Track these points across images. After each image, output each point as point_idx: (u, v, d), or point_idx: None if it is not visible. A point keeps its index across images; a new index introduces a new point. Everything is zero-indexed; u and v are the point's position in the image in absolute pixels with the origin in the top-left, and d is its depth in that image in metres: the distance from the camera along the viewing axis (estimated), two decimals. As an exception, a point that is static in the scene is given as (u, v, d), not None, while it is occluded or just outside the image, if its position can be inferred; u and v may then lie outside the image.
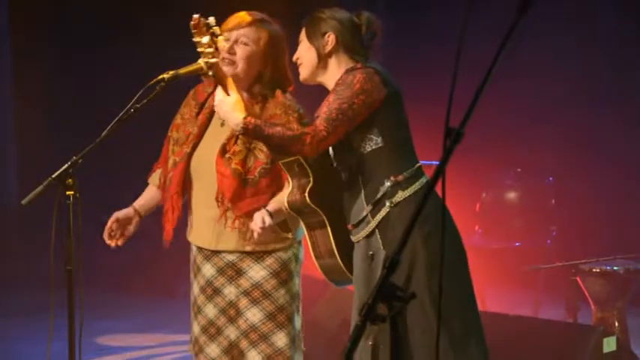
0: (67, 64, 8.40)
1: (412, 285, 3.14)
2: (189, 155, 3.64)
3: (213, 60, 3.25)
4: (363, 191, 3.27)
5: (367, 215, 3.27)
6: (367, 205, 3.27)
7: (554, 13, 6.98)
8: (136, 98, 3.38)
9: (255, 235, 3.41)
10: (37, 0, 8.32)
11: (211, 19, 3.25)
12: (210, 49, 3.23)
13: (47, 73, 8.44)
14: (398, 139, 3.29)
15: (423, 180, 3.25)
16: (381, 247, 3.22)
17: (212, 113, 3.65)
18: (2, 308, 7.59)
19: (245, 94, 3.57)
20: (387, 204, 3.24)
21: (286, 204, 3.35)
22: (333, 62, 3.36)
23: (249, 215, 3.52)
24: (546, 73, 7.43)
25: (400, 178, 3.24)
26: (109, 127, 3.37)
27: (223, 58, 3.53)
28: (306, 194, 3.30)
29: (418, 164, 3.30)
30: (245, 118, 3.19)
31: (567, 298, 5.71)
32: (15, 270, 8.00)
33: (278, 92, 3.59)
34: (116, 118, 3.37)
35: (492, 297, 6.61)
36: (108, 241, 3.69)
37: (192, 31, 3.24)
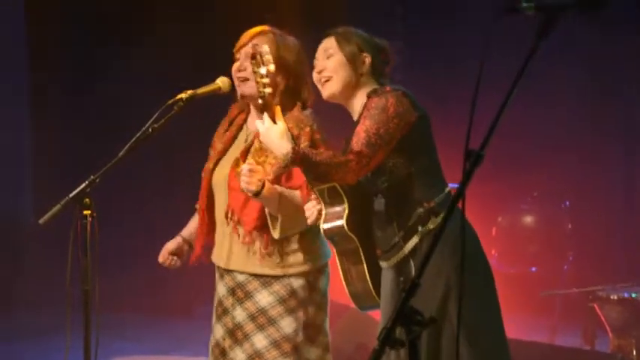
0: (84, 83, 8.42)
1: (447, 316, 3.11)
2: (212, 171, 3.64)
3: (268, 90, 3.21)
4: (394, 217, 3.23)
5: (399, 242, 3.22)
6: (399, 231, 3.23)
7: (572, 40, 6.97)
8: (154, 118, 3.40)
9: (244, 178, 3.34)
10: (54, 19, 8.34)
11: (266, 49, 3.24)
12: (266, 80, 3.22)
13: (64, 93, 8.46)
14: (428, 163, 3.25)
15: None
16: (413, 274, 3.19)
17: (238, 131, 3.66)
18: (17, 328, 7.59)
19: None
20: (420, 230, 3.21)
21: (322, 231, 3.31)
22: (362, 84, 3.31)
23: (258, 230, 3.49)
24: (564, 99, 7.41)
25: (432, 204, 3.20)
26: (127, 146, 3.37)
27: (237, 78, 3.55)
28: (344, 222, 3.25)
29: (448, 189, 3.27)
30: (294, 147, 3.14)
31: (584, 325, 5.66)
32: (30, 289, 8.01)
33: (297, 106, 3.54)
34: (134, 138, 3.38)
35: (508, 322, 6.50)
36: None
37: (251, 60, 3.24)
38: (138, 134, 3.38)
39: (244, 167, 3.36)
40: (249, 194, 3.38)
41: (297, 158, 3.11)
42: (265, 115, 3.25)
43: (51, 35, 8.29)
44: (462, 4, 7.34)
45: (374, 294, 3.32)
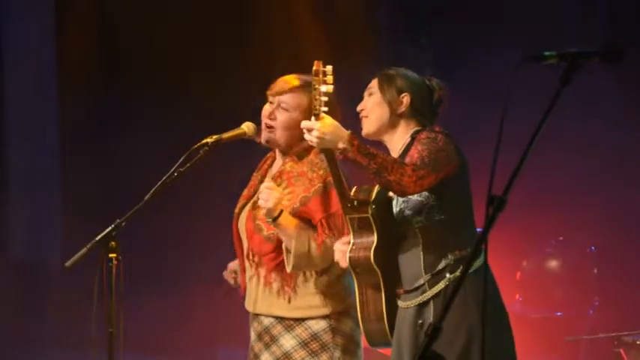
0: (115, 127, 8.47)
1: None
2: (237, 216, 3.68)
3: (324, 109, 3.20)
4: (422, 259, 3.25)
5: (424, 284, 3.24)
6: (425, 274, 3.24)
7: (601, 81, 6.97)
8: (179, 162, 3.44)
9: (262, 195, 3.40)
10: (84, 63, 8.42)
11: (329, 68, 3.23)
12: (325, 99, 3.20)
13: (94, 135, 8.51)
14: (464, 212, 3.28)
15: (483, 259, 3.12)
16: (431, 319, 3.19)
17: (263, 177, 3.70)
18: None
19: (282, 154, 3.61)
20: (448, 277, 3.21)
21: (347, 259, 3.32)
22: (402, 123, 3.36)
23: (277, 271, 3.54)
24: (592, 142, 7.39)
25: (464, 252, 3.21)
26: (153, 190, 3.42)
27: (265, 124, 3.60)
28: (371, 254, 3.27)
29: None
30: (351, 134, 3.15)
31: (610, 371, 5.61)
32: (55, 331, 8.02)
33: (314, 151, 3.59)
34: (159, 182, 3.42)
35: (533, 367, 6.51)
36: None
37: (313, 77, 3.22)
38: (163, 178, 3.42)
39: (263, 185, 3.44)
40: (267, 218, 3.42)
41: (355, 145, 3.10)
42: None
43: (82, 66, 8.37)
44: (487, 49, 7.36)
45: (388, 333, 3.33)
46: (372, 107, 3.37)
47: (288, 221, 3.45)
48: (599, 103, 7.38)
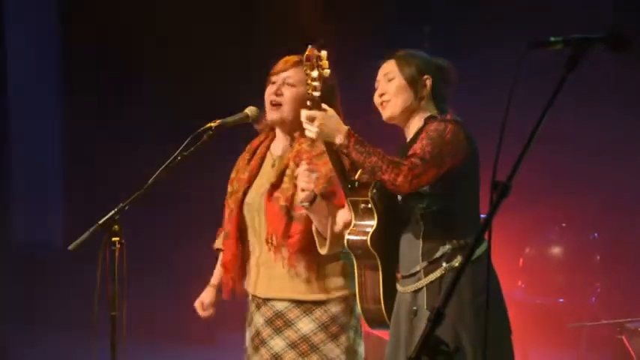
0: (117, 107, 8.48)
1: (456, 356, 3.10)
2: (242, 201, 3.65)
3: (316, 94, 3.22)
4: (421, 246, 3.24)
5: (420, 271, 3.23)
6: (422, 261, 3.24)
7: (604, 73, 6.95)
8: (183, 146, 3.43)
9: (303, 177, 3.35)
10: (90, 36, 8.42)
11: (323, 54, 3.24)
12: (317, 83, 3.21)
13: (96, 117, 8.53)
14: (469, 202, 3.26)
15: (484, 247, 3.16)
16: (425, 307, 3.19)
17: (263, 159, 3.68)
18: (45, 353, 7.62)
19: (295, 134, 3.59)
20: (444, 265, 3.20)
21: (345, 242, 3.32)
22: (421, 108, 3.33)
23: (300, 252, 3.50)
24: (595, 128, 7.38)
25: (462, 242, 3.20)
26: (156, 174, 3.41)
27: (271, 102, 3.58)
28: (368, 238, 3.27)
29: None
30: (349, 129, 3.16)
31: (612, 358, 5.61)
32: (58, 314, 8.05)
33: None
34: (163, 166, 3.42)
35: (534, 354, 6.52)
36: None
37: (305, 62, 3.24)
38: (167, 162, 3.42)
39: (302, 167, 3.38)
40: (303, 202, 3.38)
41: (352, 140, 3.12)
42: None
43: (85, 57, 8.37)
44: (489, 35, 7.35)
45: (385, 316, 3.33)
46: (396, 91, 3.31)
47: (322, 204, 3.42)
48: (601, 91, 7.37)
